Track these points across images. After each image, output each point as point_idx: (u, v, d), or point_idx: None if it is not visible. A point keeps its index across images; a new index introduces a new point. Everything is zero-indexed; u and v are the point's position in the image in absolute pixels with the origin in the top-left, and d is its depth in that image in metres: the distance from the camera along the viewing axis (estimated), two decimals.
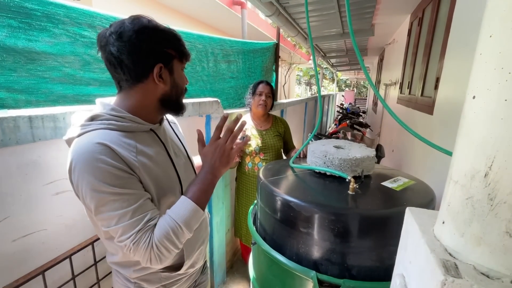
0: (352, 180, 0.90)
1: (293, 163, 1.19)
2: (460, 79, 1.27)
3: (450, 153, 0.74)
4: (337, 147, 1.11)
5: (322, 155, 1.04)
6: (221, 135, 0.74)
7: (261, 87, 1.69)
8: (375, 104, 6.33)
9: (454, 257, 0.41)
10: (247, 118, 1.77)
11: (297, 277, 0.88)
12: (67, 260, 0.83)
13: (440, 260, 0.40)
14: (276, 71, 2.83)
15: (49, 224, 0.79)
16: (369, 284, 0.79)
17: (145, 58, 0.64)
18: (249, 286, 1.85)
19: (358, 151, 1.06)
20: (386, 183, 0.99)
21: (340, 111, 7.35)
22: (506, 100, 0.34)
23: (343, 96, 15.28)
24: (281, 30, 2.93)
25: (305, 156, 1.31)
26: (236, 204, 1.90)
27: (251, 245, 1.08)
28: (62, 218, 0.82)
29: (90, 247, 0.90)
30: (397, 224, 0.82)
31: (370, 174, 1.03)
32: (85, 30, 0.97)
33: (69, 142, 0.65)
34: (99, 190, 0.59)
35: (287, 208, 0.91)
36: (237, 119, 0.75)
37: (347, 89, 21.63)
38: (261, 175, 1.11)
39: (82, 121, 0.64)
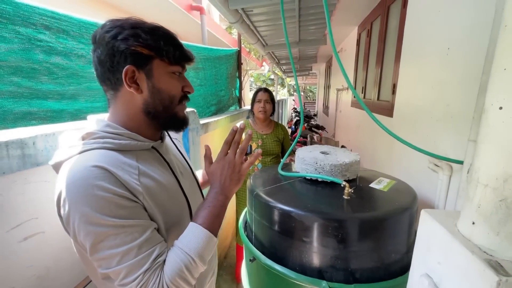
0: (347, 185, 0.93)
1: (281, 169, 1.18)
2: (416, 85, 1.43)
3: (432, 154, 0.82)
4: (324, 153, 1.14)
5: (313, 161, 1.05)
6: (229, 151, 0.68)
7: (260, 95, 1.83)
8: (326, 107, 6.81)
9: (491, 256, 0.44)
10: (250, 123, 1.91)
11: None
12: None
13: (485, 260, 0.42)
14: (240, 77, 2.81)
15: (17, 280, 0.62)
16: (378, 285, 0.81)
17: (113, 59, 0.55)
18: None
19: (345, 155, 1.10)
20: (374, 185, 1.05)
21: (296, 114, 7.69)
22: None
23: (293, 100, 16.07)
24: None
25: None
26: (237, 208, 1.93)
27: (249, 262, 1.03)
28: (33, 269, 0.65)
29: None
30: (394, 223, 0.87)
31: (357, 178, 1.08)
32: (41, 33, 0.79)
33: (56, 167, 0.53)
34: (96, 223, 0.48)
35: (287, 219, 0.89)
36: (241, 129, 0.70)
37: (296, 93, 22.84)
38: (253, 185, 1.07)
39: (72, 141, 0.54)
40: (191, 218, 0.69)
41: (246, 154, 0.80)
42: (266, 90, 1.86)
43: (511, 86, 0.41)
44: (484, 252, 0.44)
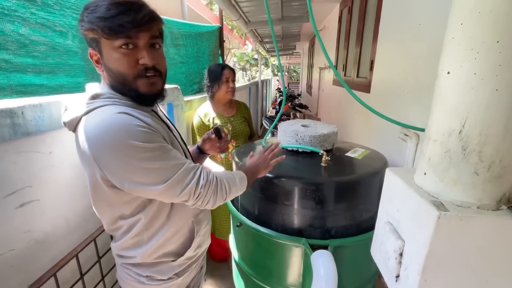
0: (325, 153, 1.01)
1: (265, 143, 1.25)
2: (392, 62, 1.50)
3: (408, 126, 0.90)
4: (304, 126, 1.21)
5: (293, 134, 1.12)
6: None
7: (227, 73, 1.61)
8: (309, 87, 6.87)
9: (436, 198, 0.53)
10: (207, 107, 1.67)
11: (287, 247, 0.96)
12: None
13: (430, 201, 0.51)
14: (222, 56, 2.78)
15: (16, 243, 0.65)
16: (351, 239, 0.92)
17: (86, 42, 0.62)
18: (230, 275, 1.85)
19: (324, 127, 1.18)
20: (349, 154, 1.14)
21: (280, 94, 7.72)
22: (475, 73, 0.45)
23: (277, 80, 15.99)
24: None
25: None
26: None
27: (236, 228, 1.11)
28: (32, 234, 0.69)
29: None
30: (366, 186, 0.97)
31: (333, 147, 1.16)
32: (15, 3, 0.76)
33: (72, 123, 0.59)
34: (141, 147, 0.56)
35: (271, 186, 0.97)
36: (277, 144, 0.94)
37: (279, 74, 22.63)
38: (236, 159, 1.13)
39: (84, 100, 0.60)
40: None
41: (219, 139, 0.99)
42: (230, 67, 1.67)
43: (457, 52, 0.48)
44: (432, 196, 0.53)
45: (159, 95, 0.69)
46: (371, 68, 1.79)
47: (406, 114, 1.28)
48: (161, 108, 0.84)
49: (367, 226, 1.01)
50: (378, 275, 1.15)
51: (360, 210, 0.98)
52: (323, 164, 1.01)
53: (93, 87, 0.64)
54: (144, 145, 0.56)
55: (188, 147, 0.95)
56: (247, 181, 0.79)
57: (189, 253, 0.76)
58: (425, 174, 0.56)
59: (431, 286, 0.54)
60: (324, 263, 0.80)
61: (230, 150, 1.66)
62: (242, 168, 0.82)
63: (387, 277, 0.67)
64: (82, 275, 0.83)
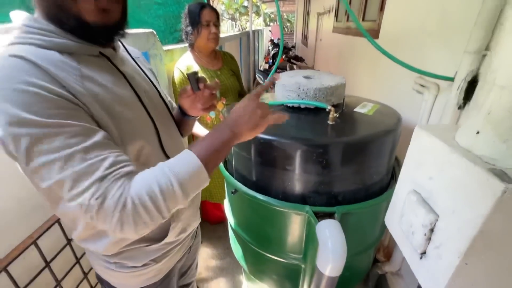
0: (333, 109, 0.86)
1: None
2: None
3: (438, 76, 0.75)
4: (307, 77, 1.03)
5: (295, 87, 0.95)
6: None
7: (207, 15, 1.28)
8: (305, 37, 6.37)
9: (493, 165, 0.40)
10: (188, 58, 1.41)
11: (288, 215, 0.87)
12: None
13: (487, 170, 0.38)
14: (208, 0, 2.40)
15: None
16: (360, 205, 0.83)
17: None
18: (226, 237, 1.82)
19: (330, 79, 1.00)
20: (358, 109, 0.99)
21: (273, 46, 7.20)
22: None
23: (270, 31, 14.88)
24: None
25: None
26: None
27: (231, 194, 1.01)
28: None
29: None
30: (378, 146, 0.84)
31: (343, 102, 1.00)
32: None
33: None
34: (25, 123, 0.37)
35: (269, 149, 0.83)
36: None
37: (272, 23, 21.04)
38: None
39: None
40: (163, 150, 0.60)
41: (196, 90, 0.69)
42: (212, 7, 1.33)
43: None
44: (486, 162, 0.40)
45: (115, 28, 0.50)
46: (382, 8, 1.54)
47: (423, 61, 1.10)
48: (130, 53, 0.64)
49: (376, 190, 0.92)
50: (382, 238, 1.11)
51: (370, 173, 0.87)
52: (330, 122, 0.86)
53: (18, 17, 0.45)
54: (25, 117, 0.37)
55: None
56: (206, 171, 0.48)
57: (169, 238, 0.65)
58: (478, 133, 0.42)
59: (470, 270, 0.44)
60: (332, 235, 0.71)
61: (221, 109, 1.46)
62: (200, 144, 0.50)
63: (408, 252, 0.59)
64: (47, 263, 0.73)
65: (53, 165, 0.39)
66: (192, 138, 1.61)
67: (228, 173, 1.01)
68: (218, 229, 1.86)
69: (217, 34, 1.35)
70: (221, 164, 1.08)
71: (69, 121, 0.40)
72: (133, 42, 1.01)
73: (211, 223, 1.92)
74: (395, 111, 1.01)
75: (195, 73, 0.66)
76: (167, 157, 0.60)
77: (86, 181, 0.40)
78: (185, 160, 0.47)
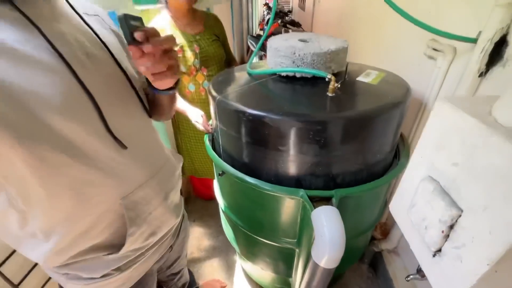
0: (333, 78, 0.73)
1: (250, 68, 0.94)
2: None
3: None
4: (303, 40, 0.88)
5: (289, 52, 0.81)
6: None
7: None
8: (302, 1, 5.92)
9: None
10: (163, 19, 1.19)
11: (281, 200, 0.78)
12: None
13: None
14: None
15: None
16: (360, 188, 0.74)
17: None
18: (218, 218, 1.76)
19: (329, 42, 0.86)
20: (361, 78, 0.87)
21: (269, 11, 6.72)
22: None
23: None
24: None
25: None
26: (180, 139, 1.50)
27: (218, 176, 0.91)
28: None
29: None
30: (384, 120, 0.73)
31: (346, 69, 0.87)
32: None
33: None
34: None
35: (260, 126, 0.72)
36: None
37: None
38: (213, 91, 0.84)
39: None
40: (111, 134, 0.48)
41: (131, 41, 0.42)
42: None
43: None
44: None
45: None
46: None
47: (438, 21, 0.95)
48: (76, 7, 0.50)
49: (378, 170, 0.83)
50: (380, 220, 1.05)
51: (373, 152, 0.77)
52: (330, 94, 0.74)
53: None
54: None
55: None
56: None
57: (133, 245, 0.56)
58: None
59: (499, 278, 0.36)
60: (329, 223, 0.63)
61: (201, 82, 1.28)
62: None
63: (418, 247, 0.51)
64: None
65: None
66: (173, 118, 1.45)
67: (214, 153, 0.91)
68: (210, 206, 1.80)
69: None
70: (207, 142, 0.98)
71: None
72: None
73: (202, 199, 1.86)
74: (403, 80, 0.89)
75: (132, 17, 0.42)
76: (118, 142, 0.49)
77: None
78: None
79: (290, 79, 0.85)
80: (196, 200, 1.85)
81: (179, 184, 0.70)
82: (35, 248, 0.46)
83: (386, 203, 1.07)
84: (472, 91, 0.75)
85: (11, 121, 0.36)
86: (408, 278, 0.87)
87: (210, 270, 1.42)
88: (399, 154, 0.92)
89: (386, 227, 1.29)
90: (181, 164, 0.74)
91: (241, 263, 1.44)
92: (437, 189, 0.44)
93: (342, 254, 0.63)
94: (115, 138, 0.49)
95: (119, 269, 0.57)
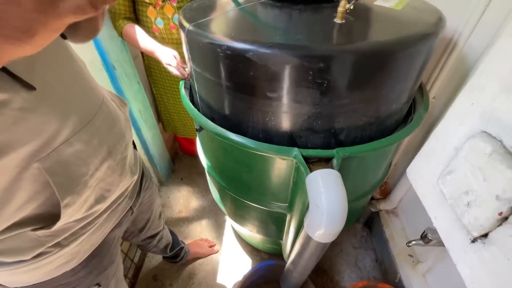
0: None
1: None
2: None
3: None
4: None
5: None
6: None
7: None
8: None
9: None
10: None
11: (270, 160, 0.64)
12: None
13: None
14: None
15: None
16: (368, 146, 0.60)
17: None
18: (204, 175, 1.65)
19: None
20: (380, 2, 0.65)
21: None
22: None
23: None
24: None
25: None
26: (154, 90, 1.30)
27: (196, 132, 0.76)
28: None
29: None
30: (409, 57, 0.55)
31: None
32: None
33: None
34: None
35: (243, 65, 0.54)
36: None
37: None
38: (183, 20, 0.63)
39: None
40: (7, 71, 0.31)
41: None
42: None
43: None
44: None
45: None
46: None
47: None
48: None
49: (391, 124, 0.67)
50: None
51: (389, 101, 0.60)
52: (338, 21, 0.55)
53: None
54: None
55: None
56: None
57: (76, 215, 0.43)
58: None
59: None
60: (327, 192, 0.50)
61: (170, 16, 1.00)
62: None
63: (447, 227, 0.38)
64: None
65: None
66: (142, 55, 1.23)
67: (190, 103, 0.74)
68: (198, 163, 1.66)
69: None
70: (183, 91, 0.80)
71: None
72: None
73: (190, 156, 1.74)
74: (434, 7, 0.68)
75: None
76: (20, 81, 0.32)
77: None
78: None
79: (285, 3, 0.64)
80: (184, 157, 1.73)
81: (128, 134, 0.54)
82: None
83: (391, 163, 0.95)
84: None
85: None
86: (410, 244, 0.79)
87: (199, 230, 1.36)
88: (414, 106, 0.76)
89: (386, 186, 1.19)
90: (127, 108, 0.58)
91: (230, 223, 1.38)
92: (498, 152, 0.29)
93: (342, 227, 0.51)
94: (13, 75, 0.32)
95: (58, 245, 0.45)
